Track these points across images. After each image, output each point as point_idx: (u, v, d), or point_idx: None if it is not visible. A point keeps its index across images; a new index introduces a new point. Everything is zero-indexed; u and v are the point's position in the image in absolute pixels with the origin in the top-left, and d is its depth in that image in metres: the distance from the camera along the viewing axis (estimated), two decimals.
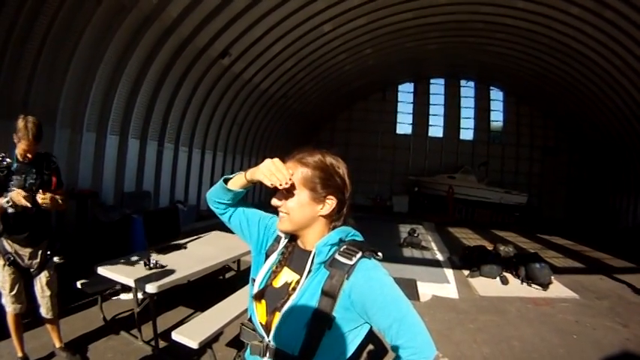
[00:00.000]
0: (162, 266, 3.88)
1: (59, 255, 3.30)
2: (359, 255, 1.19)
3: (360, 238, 1.31)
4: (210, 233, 5.48)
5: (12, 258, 3.05)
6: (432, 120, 24.90)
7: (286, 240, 1.37)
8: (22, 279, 3.15)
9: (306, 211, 1.26)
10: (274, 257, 1.36)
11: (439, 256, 9.67)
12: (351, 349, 1.23)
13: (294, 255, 1.34)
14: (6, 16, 5.95)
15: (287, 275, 1.31)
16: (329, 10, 11.55)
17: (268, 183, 1.20)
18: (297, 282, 1.25)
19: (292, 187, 1.23)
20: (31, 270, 3.18)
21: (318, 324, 1.16)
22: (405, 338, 1.14)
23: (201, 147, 12.70)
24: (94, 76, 7.84)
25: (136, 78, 8.96)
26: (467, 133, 24.74)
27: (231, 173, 1.45)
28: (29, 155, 2.97)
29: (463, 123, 24.67)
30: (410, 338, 1.14)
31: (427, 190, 21.94)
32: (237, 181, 1.40)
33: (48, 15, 6.46)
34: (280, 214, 1.29)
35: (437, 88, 24.84)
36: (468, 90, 24.61)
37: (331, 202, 1.27)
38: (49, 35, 6.59)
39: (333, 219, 1.30)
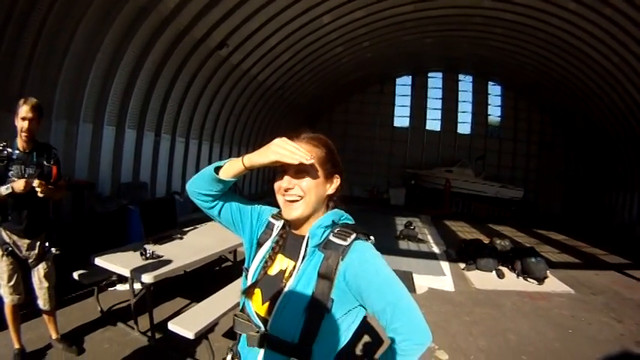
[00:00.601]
0: (159, 257, 3.88)
1: (56, 246, 3.29)
2: (353, 236, 1.19)
3: (351, 221, 1.31)
4: (206, 224, 5.47)
5: (10, 248, 3.04)
6: (429, 113, 24.77)
7: (280, 227, 1.35)
8: (21, 270, 3.14)
9: (320, 191, 1.25)
10: (268, 245, 1.34)
11: (435, 249, 9.72)
12: (348, 335, 1.22)
13: (287, 241, 1.32)
14: (1, 7, 5.86)
15: (282, 262, 1.30)
16: (327, 3, 11.46)
17: (291, 161, 1.15)
18: (293, 268, 1.23)
19: (311, 165, 1.20)
20: (29, 261, 3.17)
21: (317, 308, 1.14)
22: (399, 322, 1.12)
23: (198, 138, 12.61)
24: (90, 67, 7.75)
25: (132, 68, 8.86)
26: (464, 127, 24.69)
27: None
28: (25, 125, 2.92)
29: (461, 117, 24.58)
30: (405, 323, 1.13)
31: (424, 183, 21.91)
32: (231, 169, 1.29)
33: (44, 5, 6.36)
34: (290, 198, 1.24)
35: (435, 81, 24.70)
36: (466, 84, 24.52)
37: (337, 181, 1.29)
38: (45, 26, 6.49)
39: (332, 200, 1.31)
